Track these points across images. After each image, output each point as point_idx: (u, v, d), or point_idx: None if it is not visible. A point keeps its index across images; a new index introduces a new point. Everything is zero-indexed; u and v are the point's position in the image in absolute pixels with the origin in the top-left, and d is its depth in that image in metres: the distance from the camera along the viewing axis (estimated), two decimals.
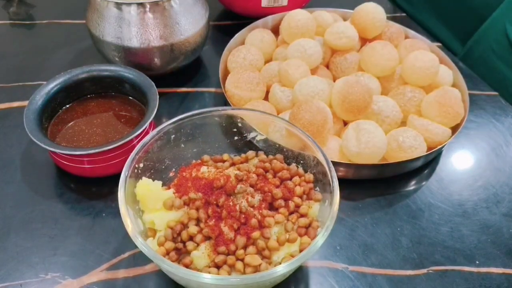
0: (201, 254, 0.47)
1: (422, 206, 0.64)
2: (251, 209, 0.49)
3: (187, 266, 0.47)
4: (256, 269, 0.46)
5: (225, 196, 0.50)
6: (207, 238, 0.48)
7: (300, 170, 0.55)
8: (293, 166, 0.56)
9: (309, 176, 0.54)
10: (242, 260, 0.47)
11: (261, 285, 0.47)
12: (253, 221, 0.48)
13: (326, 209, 0.50)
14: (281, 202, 0.51)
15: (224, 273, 0.46)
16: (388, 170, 0.64)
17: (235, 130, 0.60)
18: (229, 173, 0.53)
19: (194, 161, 0.58)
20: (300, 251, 0.48)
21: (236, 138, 0.60)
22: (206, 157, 0.58)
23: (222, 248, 0.47)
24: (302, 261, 0.44)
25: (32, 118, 0.60)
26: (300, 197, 0.52)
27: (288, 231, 0.49)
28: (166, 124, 0.54)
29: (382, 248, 0.58)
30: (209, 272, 0.46)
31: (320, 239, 0.45)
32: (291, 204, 0.50)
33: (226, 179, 0.51)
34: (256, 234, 0.47)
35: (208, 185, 0.51)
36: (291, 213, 0.51)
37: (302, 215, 0.51)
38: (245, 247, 0.47)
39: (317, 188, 0.54)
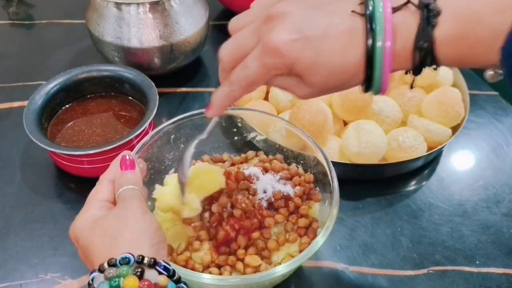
0: (202, 254, 0.47)
1: (422, 206, 0.63)
2: (252, 208, 0.49)
3: (188, 266, 0.46)
4: (256, 269, 0.46)
5: (226, 196, 0.50)
6: (208, 238, 0.48)
7: (300, 170, 0.55)
8: (293, 166, 0.56)
9: (309, 177, 0.54)
10: (242, 260, 0.47)
11: (261, 285, 0.47)
12: (254, 221, 0.48)
13: (326, 209, 0.49)
14: (281, 202, 0.51)
15: (227, 273, 0.46)
16: (388, 170, 0.64)
17: (235, 130, 0.60)
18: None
19: (194, 161, 0.58)
20: (300, 251, 0.48)
21: (236, 138, 0.60)
22: (206, 157, 0.58)
23: (224, 248, 0.47)
24: (302, 261, 0.44)
25: (32, 118, 0.60)
26: (300, 197, 0.52)
27: (288, 231, 0.49)
28: (166, 124, 0.54)
29: (382, 248, 0.58)
30: (210, 272, 0.46)
31: (320, 239, 0.45)
32: (291, 205, 0.50)
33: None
34: (256, 234, 0.47)
35: None
36: (291, 213, 0.51)
37: (302, 215, 0.51)
38: (245, 247, 0.47)
39: (317, 188, 0.54)
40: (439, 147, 0.64)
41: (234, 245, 0.47)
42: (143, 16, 0.70)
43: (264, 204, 0.50)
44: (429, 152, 0.63)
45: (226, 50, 0.39)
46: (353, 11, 0.33)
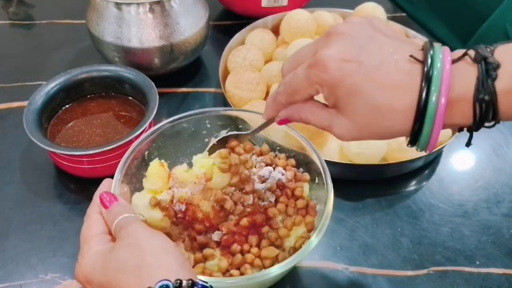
0: (217, 261, 0.47)
1: (422, 206, 0.63)
2: (252, 207, 0.49)
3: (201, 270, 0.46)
4: (275, 259, 0.47)
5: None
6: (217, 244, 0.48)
7: (281, 155, 0.55)
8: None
9: (292, 161, 0.54)
10: (258, 256, 0.47)
11: (261, 285, 0.47)
12: (261, 216, 0.48)
13: (319, 188, 0.50)
14: (278, 192, 0.51)
15: (249, 272, 0.46)
16: (389, 170, 0.64)
17: (235, 130, 0.59)
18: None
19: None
20: (308, 230, 0.49)
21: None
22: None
23: (235, 246, 0.47)
24: (318, 239, 0.44)
25: (31, 119, 0.60)
26: (291, 181, 0.52)
27: (291, 215, 0.50)
28: (164, 123, 0.54)
29: (383, 248, 0.58)
30: (231, 275, 0.46)
31: (314, 240, 0.44)
32: (288, 191, 0.51)
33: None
34: (265, 229, 0.48)
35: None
36: (288, 199, 0.51)
37: (298, 198, 0.51)
38: (258, 244, 0.48)
39: (301, 169, 0.54)
40: (439, 147, 0.64)
41: (246, 246, 0.47)
42: (143, 16, 0.69)
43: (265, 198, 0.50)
44: (429, 152, 0.63)
45: (287, 64, 0.39)
46: (411, 56, 0.33)
